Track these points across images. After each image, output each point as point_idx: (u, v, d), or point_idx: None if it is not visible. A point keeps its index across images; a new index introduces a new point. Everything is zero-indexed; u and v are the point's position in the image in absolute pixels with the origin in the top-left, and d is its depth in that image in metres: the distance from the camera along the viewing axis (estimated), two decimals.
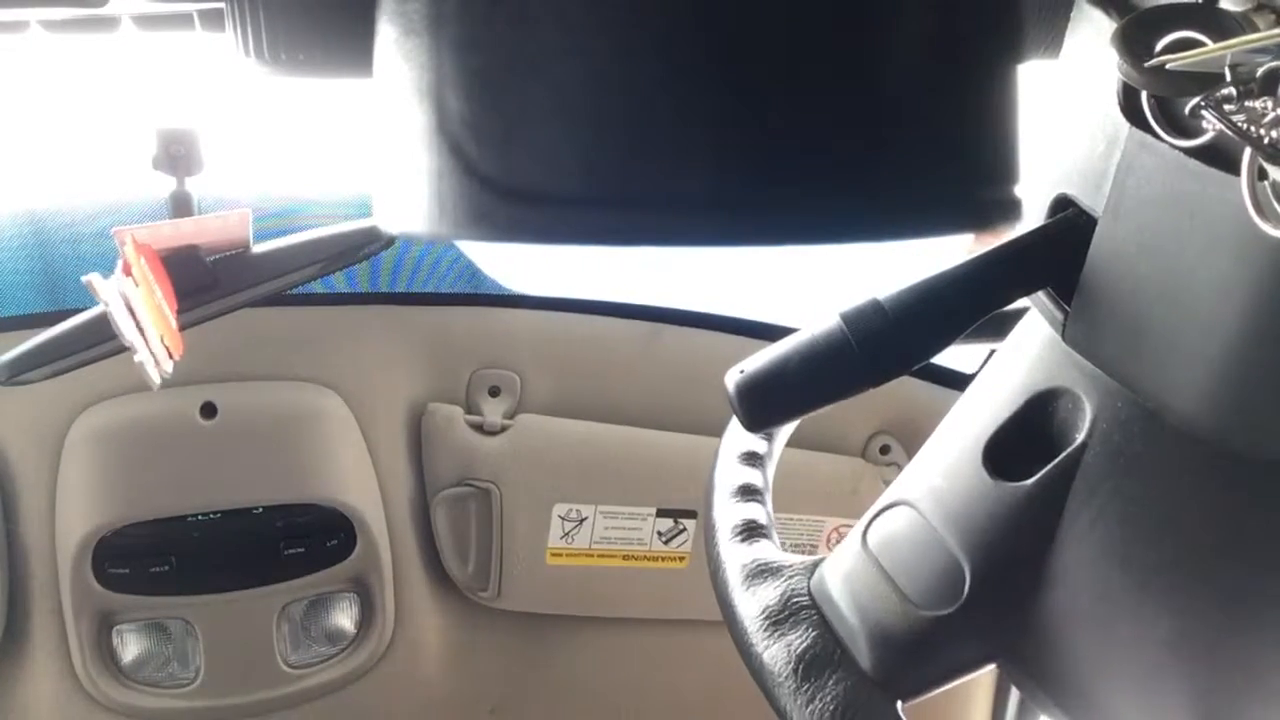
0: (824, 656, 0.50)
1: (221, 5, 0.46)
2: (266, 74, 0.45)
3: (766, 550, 0.58)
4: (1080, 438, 0.46)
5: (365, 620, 1.28)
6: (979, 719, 1.42)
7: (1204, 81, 0.35)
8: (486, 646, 1.38)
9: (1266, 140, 0.33)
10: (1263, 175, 0.34)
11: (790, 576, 0.55)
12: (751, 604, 0.54)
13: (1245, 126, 0.33)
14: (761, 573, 0.56)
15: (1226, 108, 0.34)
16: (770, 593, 0.54)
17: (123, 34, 0.66)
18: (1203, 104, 0.34)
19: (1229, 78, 0.34)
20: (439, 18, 0.29)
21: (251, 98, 1.28)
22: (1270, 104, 0.33)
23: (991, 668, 0.50)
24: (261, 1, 0.44)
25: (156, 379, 0.71)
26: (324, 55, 0.44)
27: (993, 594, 0.48)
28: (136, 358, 0.70)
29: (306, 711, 1.29)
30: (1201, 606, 0.43)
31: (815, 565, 0.55)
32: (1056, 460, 0.47)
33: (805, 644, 0.51)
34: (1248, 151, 0.34)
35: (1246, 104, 0.33)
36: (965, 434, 0.52)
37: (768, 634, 0.52)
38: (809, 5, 0.28)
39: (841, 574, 0.53)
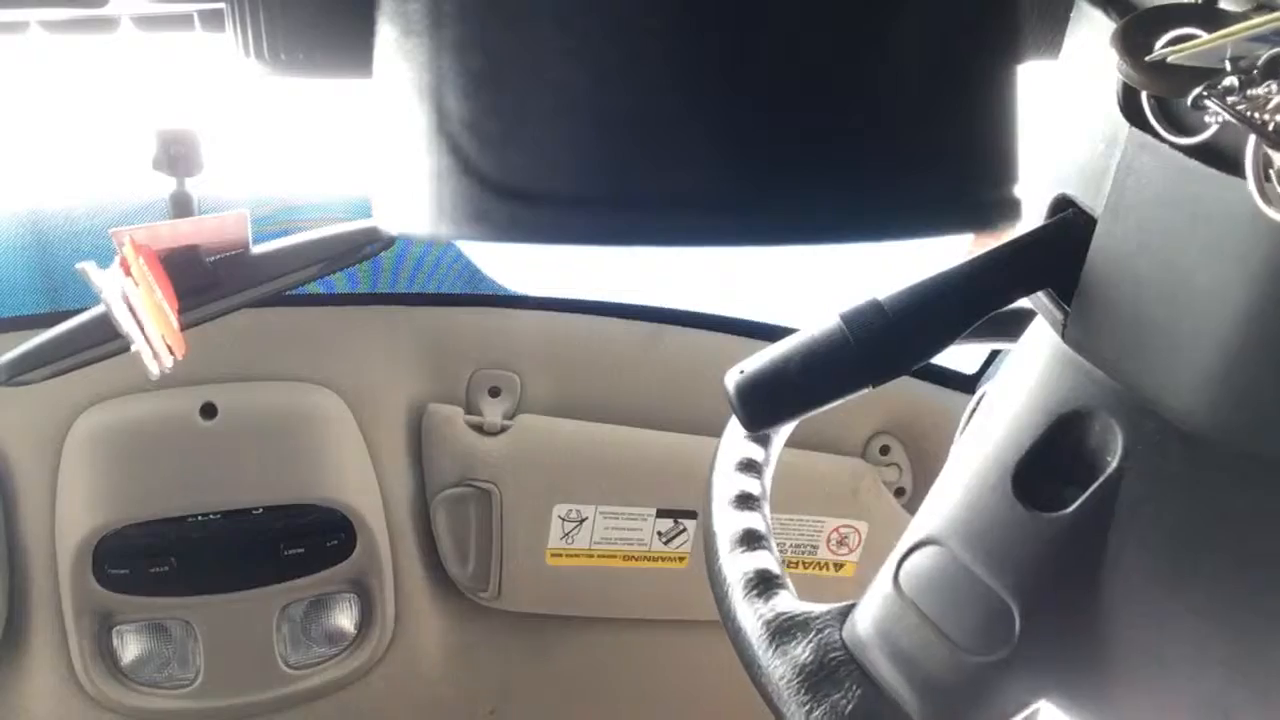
0: (874, 714, 0.48)
1: (221, 5, 0.46)
2: (266, 74, 0.45)
3: (786, 602, 0.55)
4: (1114, 461, 0.45)
5: (365, 621, 1.28)
6: None
7: (1204, 77, 0.35)
8: (486, 647, 1.38)
9: (1271, 126, 0.33)
10: (1269, 163, 0.34)
11: (820, 629, 0.52)
12: (784, 665, 0.51)
13: (1248, 114, 0.33)
14: (788, 629, 0.53)
15: (1229, 99, 0.34)
16: (803, 651, 0.51)
17: (123, 34, 0.66)
18: (1205, 93, 0.34)
19: (1229, 69, 0.34)
20: (439, 18, 0.29)
21: (251, 98, 1.28)
22: (1274, 87, 0.33)
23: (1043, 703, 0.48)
24: (261, 2, 0.44)
25: (155, 369, 0.71)
26: (324, 55, 0.44)
27: (1044, 633, 0.46)
28: (134, 346, 0.70)
29: (306, 712, 1.29)
30: (1254, 623, 0.42)
31: (845, 613, 0.53)
32: (1094, 486, 0.45)
33: (853, 703, 0.48)
34: (1251, 140, 0.34)
35: (1249, 92, 0.33)
36: (988, 463, 0.49)
37: (808, 696, 0.49)
38: (808, 5, 0.28)
39: (877, 622, 0.50)
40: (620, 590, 1.34)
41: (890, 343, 0.46)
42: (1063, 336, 0.46)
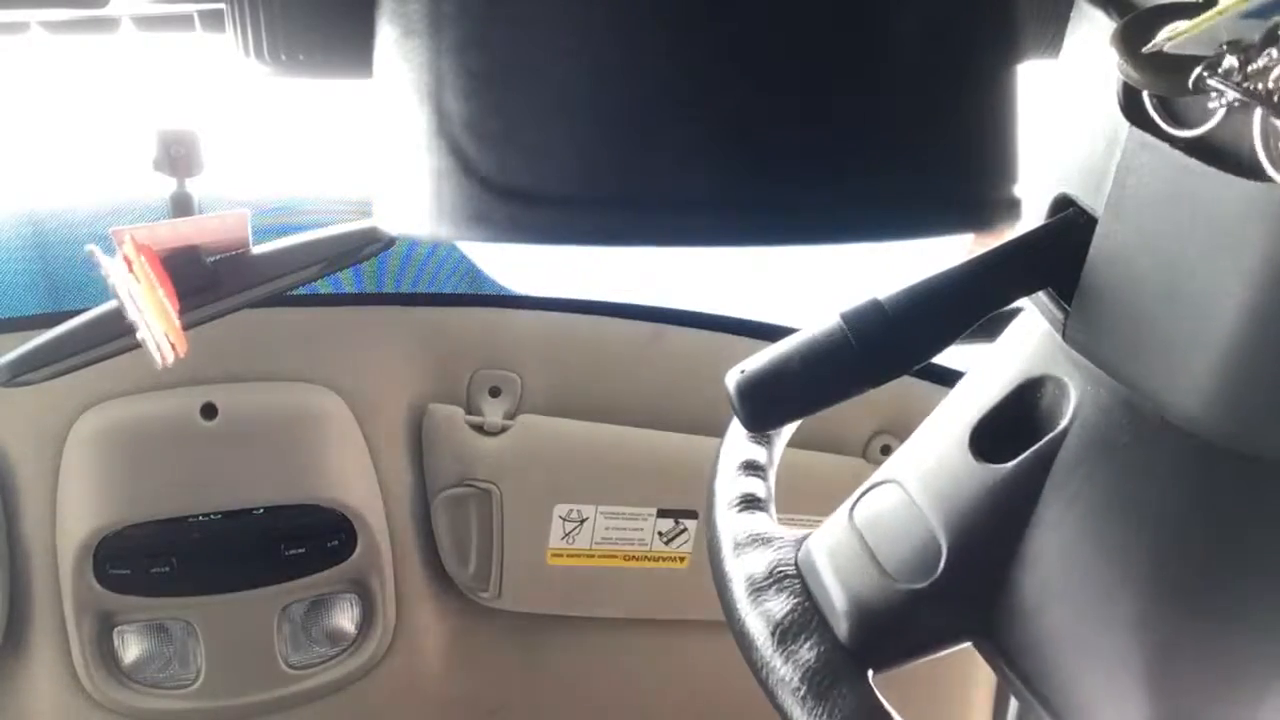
0: (800, 624, 0.51)
1: (222, 6, 0.46)
2: (267, 74, 0.45)
3: (761, 521, 0.59)
4: (1063, 424, 0.47)
5: (366, 621, 1.28)
6: (979, 719, 1.42)
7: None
8: (487, 647, 1.38)
9: (1276, 96, 0.33)
10: (1277, 134, 0.34)
11: (780, 548, 0.56)
12: (739, 572, 0.56)
13: (1252, 87, 0.33)
14: (753, 542, 0.57)
15: (1232, 79, 0.34)
16: (758, 562, 0.56)
17: (123, 35, 0.66)
18: (1205, 74, 0.34)
19: (1227, 51, 0.34)
20: (439, 18, 0.29)
21: (251, 98, 1.28)
22: (1275, 55, 0.33)
23: (966, 646, 0.51)
24: (262, 2, 0.44)
25: (159, 359, 0.71)
26: (324, 55, 0.44)
27: (967, 571, 0.49)
28: (139, 334, 0.70)
29: (307, 712, 1.29)
30: (1170, 595, 0.44)
31: (805, 538, 0.57)
32: (1037, 445, 0.48)
33: (784, 611, 0.52)
34: (1258, 114, 0.34)
35: (1249, 69, 0.33)
36: (955, 417, 0.53)
37: (751, 601, 0.54)
38: (808, 5, 0.28)
39: (826, 546, 0.55)
40: (621, 590, 1.34)
41: (891, 342, 0.46)
42: (1063, 336, 0.46)
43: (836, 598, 0.52)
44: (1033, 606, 0.48)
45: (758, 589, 0.54)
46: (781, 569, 0.55)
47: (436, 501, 1.28)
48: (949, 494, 0.50)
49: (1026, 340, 0.51)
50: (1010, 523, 0.48)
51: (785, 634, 0.51)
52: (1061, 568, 0.47)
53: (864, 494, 0.56)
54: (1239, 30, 0.33)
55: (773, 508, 0.64)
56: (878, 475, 0.56)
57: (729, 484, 0.65)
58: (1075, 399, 0.47)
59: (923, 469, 0.53)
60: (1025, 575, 0.48)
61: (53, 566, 1.16)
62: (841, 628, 0.51)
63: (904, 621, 0.50)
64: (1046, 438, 0.48)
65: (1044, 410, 0.49)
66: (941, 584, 0.49)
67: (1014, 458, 0.48)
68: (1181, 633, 0.44)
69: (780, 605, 0.53)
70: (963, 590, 0.49)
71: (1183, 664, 0.44)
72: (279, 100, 1.36)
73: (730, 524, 0.59)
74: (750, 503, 0.63)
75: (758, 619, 0.53)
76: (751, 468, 0.66)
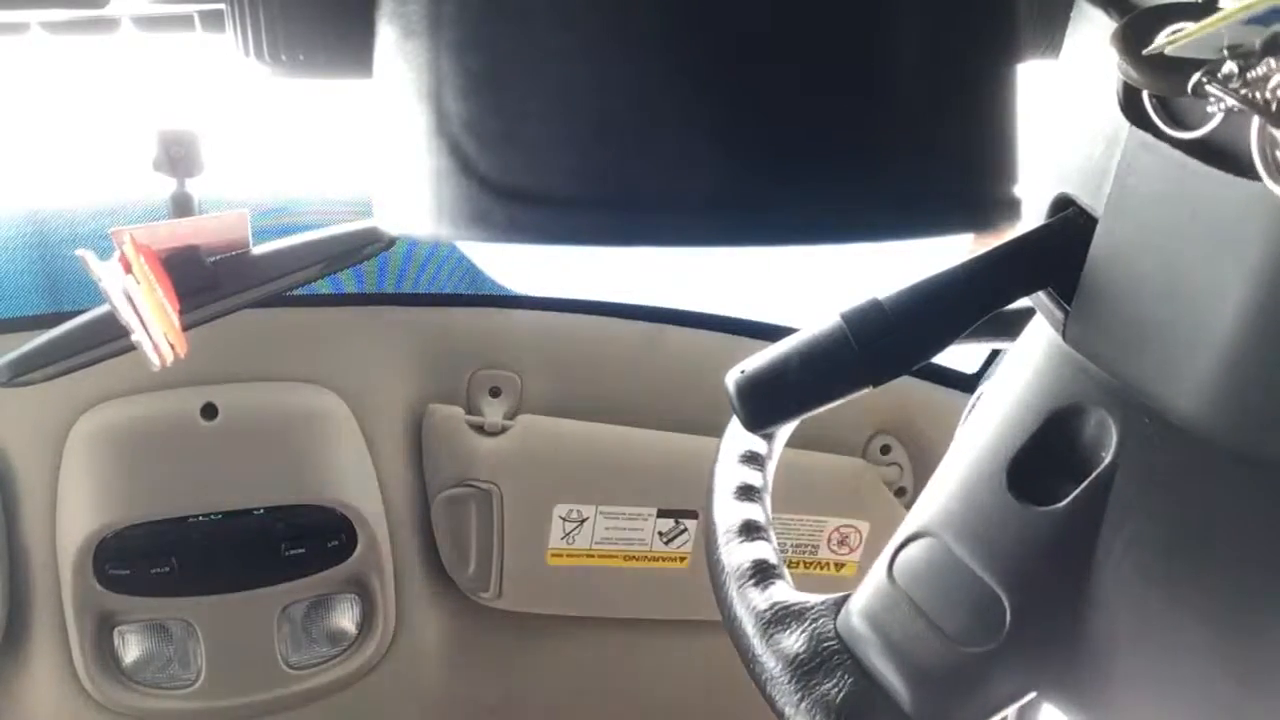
0: (865, 703, 0.48)
1: (222, 6, 0.46)
2: (267, 75, 0.45)
3: (783, 592, 0.55)
4: (1108, 457, 0.45)
5: (366, 621, 1.28)
6: None
7: (1203, 68, 0.35)
8: (487, 647, 1.38)
9: (1274, 105, 0.33)
10: (1275, 144, 0.34)
11: (815, 619, 0.52)
12: (778, 654, 0.52)
13: (1250, 95, 0.33)
14: (783, 619, 0.53)
15: (1231, 84, 0.34)
16: (796, 640, 0.52)
17: (123, 35, 0.66)
18: (1204, 80, 0.34)
19: (1227, 56, 0.34)
20: (438, 19, 0.29)
21: (251, 98, 1.28)
22: (1273, 65, 0.33)
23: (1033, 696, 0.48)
24: (262, 3, 0.44)
25: (156, 361, 0.71)
26: (324, 56, 0.44)
27: (1034, 625, 0.47)
28: (134, 337, 0.69)
29: (308, 712, 1.29)
30: (1235, 616, 0.42)
31: (839, 604, 0.53)
32: (1087, 481, 0.45)
33: (843, 692, 0.49)
34: (1255, 122, 0.34)
35: (1248, 75, 0.33)
36: (984, 456, 0.50)
37: (800, 684, 0.50)
38: (808, 5, 0.28)
39: (870, 612, 0.51)
40: (621, 590, 1.34)
41: (891, 342, 0.46)
42: (1063, 336, 0.46)
43: (897, 670, 0.48)
44: (1103, 651, 0.46)
45: (805, 671, 0.50)
46: (826, 645, 0.51)
47: (436, 502, 1.28)
48: (997, 542, 0.47)
49: (1043, 365, 0.49)
50: (1070, 568, 0.46)
51: (851, 718, 0.48)
52: (1130, 611, 0.45)
53: (899, 550, 0.52)
54: (1240, 36, 0.33)
55: (768, 498, 0.63)
56: (907, 528, 0.52)
57: (728, 473, 0.64)
58: (1117, 430, 0.45)
59: (959, 517, 0.50)
60: (1093, 622, 0.45)
61: (53, 567, 1.16)
62: (908, 702, 0.47)
63: (974, 686, 0.47)
64: (1094, 474, 0.45)
65: (1084, 443, 0.47)
66: (1011, 643, 0.46)
67: (1057, 497, 0.46)
68: (1255, 655, 0.42)
69: (836, 686, 0.49)
70: (1032, 646, 0.47)
71: (1258, 684, 0.43)
72: (279, 100, 1.36)
73: (749, 599, 0.55)
74: (747, 492, 0.62)
75: (815, 706, 0.49)
76: (751, 459, 0.65)
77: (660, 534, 1.31)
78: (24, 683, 1.20)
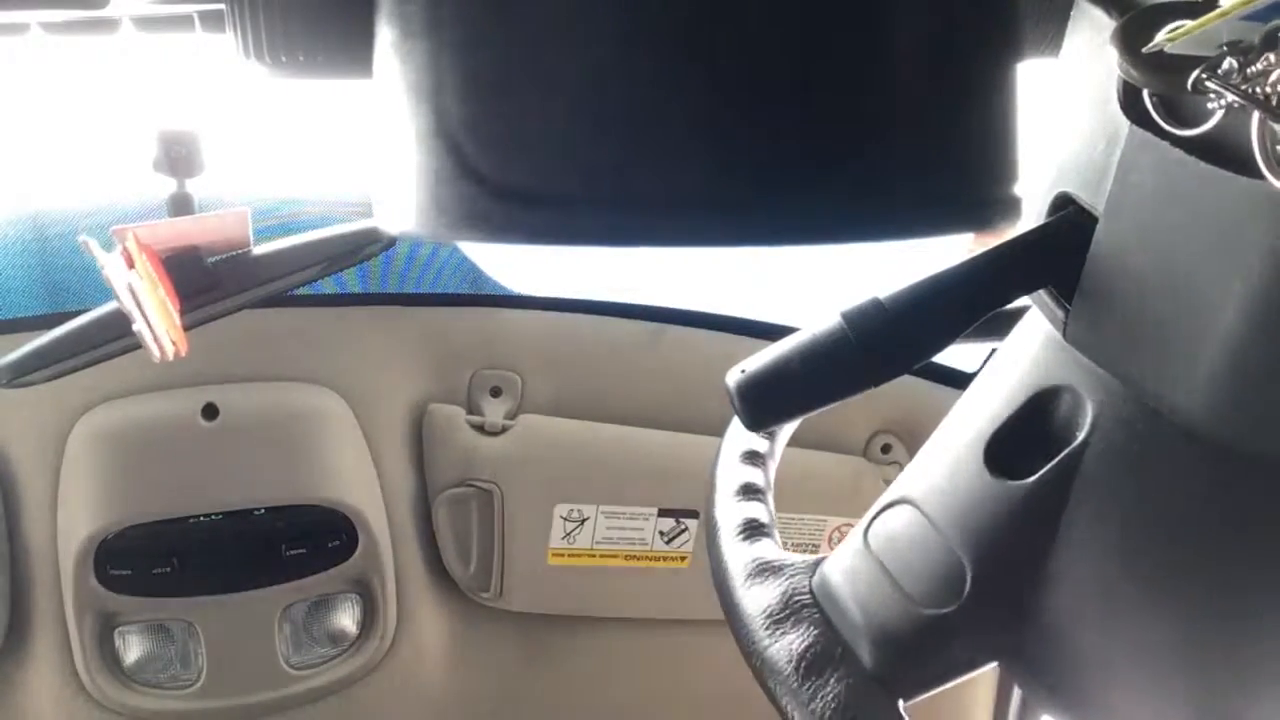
0: (825, 655, 0.50)
1: (222, 6, 0.46)
2: (267, 75, 0.45)
3: (767, 549, 0.57)
4: (1081, 436, 0.46)
5: (367, 621, 1.28)
6: (980, 719, 1.42)
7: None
8: (488, 647, 1.38)
9: (1275, 100, 0.33)
10: (1276, 139, 0.34)
11: (792, 575, 0.55)
12: (753, 603, 0.54)
13: (1250, 90, 0.33)
14: (762, 571, 0.55)
15: (1231, 80, 0.34)
16: (771, 592, 0.54)
17: (123, 35, 0.66)
18: (1204, 75, 0.34)
19: (1227, 52, 0.34)
20: (437, 20, 0.29)
21: (251, 98, 1.28)
22: (1273, 59, 0.33)
23: (993, 666, 0.50)
24: (262, 3, 0.44)
25: (156, 351, 0.71)
26: (324, 56, 0.44)
27: (993, 593, 0.48)
28: (135, 326, 0.69)
29: (309, 712, 1.29)
30: (1204, 606, 0.43)
31: (817, 564, 0.55)
32: (1057, 459, 0.46)
33: (807, 643, 0.51)
34: (1256, 117, 0.34)
35: (1248, 71, 0.33)
36: (966, 432, 0.51)
37: (769, 633, 0.52)
38: (808, 6, 0.28)
39: (843, 572, 0.53)
40: (622, 590, 1.34)
41: (891, 341, 0.46)
42: (1064, 334, 0.46)
43: (860, 626, 0.50)
44: (1063, 625, 0.47)
45: (776, 620, 0.52)
46: (798, 598, 0.53)
47: (437, 501, 1.28)
48: (968, 513, 0.49)
49: (1035, 349, 0.50)
50: (1034, 541, 0.47)
51: (810, 667, 0.49)
52: (1091, 586, 0.46)
53: (876, 516, 0.54)
54: (1239, 32, 0.33)
55: (770, 496, 0.64)
56: (888, 495, 0.54)
57: (730, 472, 0.64)
58: (1092, 410, 0.46)
59: (937, 488, 0.51)
60: (1053, 595, 0.47)
61: (54, 567, 1.16)
62: (868, 657, 0.49)
63: (932, 648, 0.49)
64: (1065, 451, 0.46)
65: (1060, 422, 0.48)
66: (969, 608, 0.48)
67: (1031, 473, 0.47)
68: (1221, 647, 0.43)
69: (801, 637, 0.51)
70: (990, 613, 0.48)
71: (1222, 680, 0.43)
72: (279, 100, 1.36)
73: (736, 552, 0.57)
74: (750, 491, 0.62)
75: (779, 652, 0.51)
76: (753, 457, 0.65)
77: (661, 533, 1.31)
78: (25, 683, 1.20)
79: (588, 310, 1.28)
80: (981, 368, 0.55)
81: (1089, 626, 0.46)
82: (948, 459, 0.52)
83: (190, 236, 0.79)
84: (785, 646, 0.51)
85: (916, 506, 0.52)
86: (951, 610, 0.48)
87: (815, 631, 0.51)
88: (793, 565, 0.56)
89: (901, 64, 0.29)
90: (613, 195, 0.28)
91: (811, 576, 0.54)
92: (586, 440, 1.27)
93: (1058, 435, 0.48)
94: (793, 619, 0.52)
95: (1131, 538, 0.44)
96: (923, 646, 0.49)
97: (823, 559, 0.55)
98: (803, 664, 0.50)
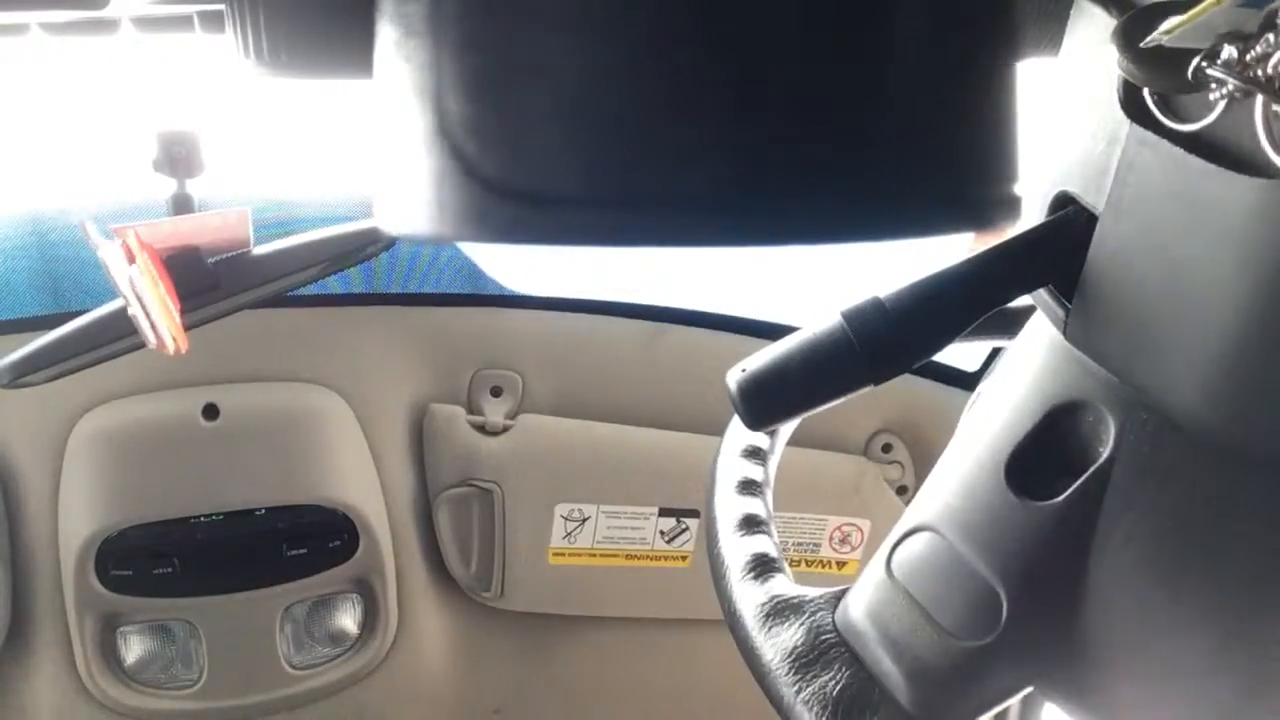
0: (862, 697, 0.48)
1: (221, 7, 0.46)
2: (267, 75, 0.45)
3: (781, 585, 0.55)
4: (1106, 452, 0.45)
5: (368, 621, 1.28)
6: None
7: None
8: (489, 647, 1.38)
9: (1278, 84, 0.33)
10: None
11: (813, 613, 0.53)
12: (776, 646, 0.52)
13: (1252, 74, 0.33)
14: (781, 611, 0.53)
15: (1232, 69, 0.34)
16: (794, 633, 0.52)
17: (123, 36, 0.66)
18: (1204, 64, 0.34)
19: (1226, 41, 0.34)
20: (439, 19, 0.29)
21: (251, 98, 1.28)
22: (1273, 40, 0.33)
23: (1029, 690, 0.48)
24: (262, 3, 0.44)
25: (153, 340, 0.71)
26: (324, 56, 0.44)
27: (1031, 618, 0.46)
28: (130, 311, 0.69)
29: (310, 712, 1.29)
30: (1239, 617, 0.42)
31: (838, 598, 0.53)
32: (1085, 476, 0.45)
33: (840, 685, 0.49)
34: (1259, 102, 0.34)
35: (1248, 57, 0.33)
36: (983, 452, 0.50)
37: (798, 677, 0.50)
38: (808, 5, 0.28)
39: (869, 606, 0.51)
40: (622, 590, 1.34)
41: (892, 340, 0.46)
42: (1064, 333, 0.46)
43: (894, 663, 0.48)
44: (1101, 647, 0.45)
45: (804, 663, 0.50)
46: (824, 638, 0.51)
47: (438, 501, 1.28)
48: (995, 537, 0.47)
49: (1042, 362, 0.49)
50: (1068, 562, 0.45)
51: (848, 711, 0.48)
52: (1126, 604, 0.44)
53: (897, 544, 0.52)
54: (1236, 20, 0.33)
55: (769, 493, 0.63)
56: (906, 522, 0.52)
57: (730, 467, 0.64)
58: (1115, 425, 0.45)
59: (958, 511, 0.50)
60: (1090, 616, 0.45)
61: (55, 567, 1.16)
62: (905, 696, 0.48)
63: (971, 680, 0.47)
64: (1092, 469, 0.45)
65: (1081, 438, 0.47)
66: (1007, 636, 0.46)
67: (1055, 492, 0.46)
68: (1261, 658, 0.42)
69: (834, 679, 0.49)
70: (1029, 640, 0.46)
71: (1263, 687, 0.43)
72: (279, 100, 1.36)
73: (749, 593, 0.55)
74: (749, 486, 0.62)
75: (812, 696, 0.49)
76: (753, 454, 0.65)
77: (662, 533, 1.31)
78: (27, 683, 1.21)
79: (588, 310, 1.28)
80: (982, 369, 0.55)
81: (1126, 645, 0.45)
82: (965, 480, 0.50)
83: (191, 236, 0.79)
84: (818, 691, 0.49)
85: (939, 533, 0.50)
86: (990, 640, 0.47)
87: (847, 672, 0.49)
88: (813, 601, 0.54)
89: (901, 63, 0.29)
90: (614, 196, 0.28)
91: (834, 612, 0.52)
92: (587, 440, 1.28)
93: (1080, 452, 0.46)
94: (821, 660, 0.50)
95: (1165, 552, 0.44)
96: (962, 680, 0.47)
97: (843, 592, 0.53)
98: (839, 709, 0.48)
